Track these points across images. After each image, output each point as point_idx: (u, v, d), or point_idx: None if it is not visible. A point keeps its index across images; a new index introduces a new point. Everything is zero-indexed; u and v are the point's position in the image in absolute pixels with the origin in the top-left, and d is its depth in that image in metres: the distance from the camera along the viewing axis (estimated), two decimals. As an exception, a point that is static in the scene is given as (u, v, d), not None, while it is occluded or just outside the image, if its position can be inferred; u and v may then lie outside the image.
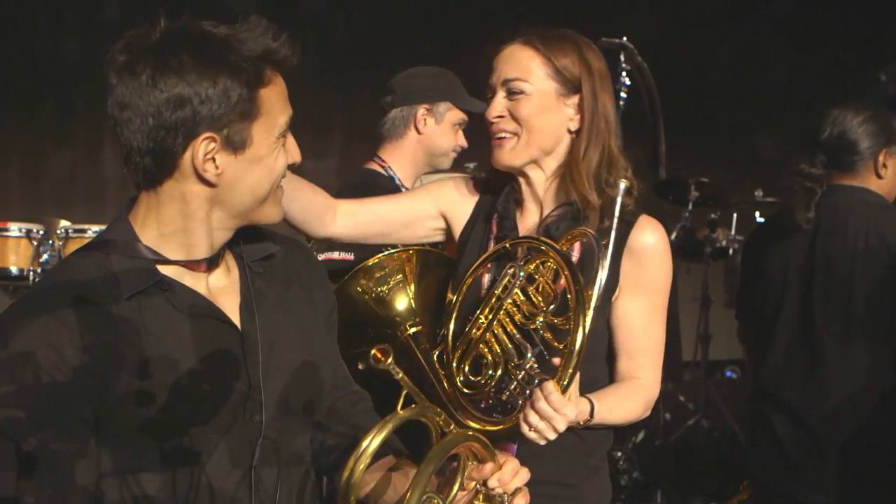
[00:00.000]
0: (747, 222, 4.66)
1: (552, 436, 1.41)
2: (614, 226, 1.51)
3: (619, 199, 1.53)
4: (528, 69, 1.61)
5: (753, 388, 2.39)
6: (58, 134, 5.65)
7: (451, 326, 1.59)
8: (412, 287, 1.68)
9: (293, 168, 1.33)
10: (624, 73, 3.81)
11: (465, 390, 1.53)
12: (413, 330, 1.65)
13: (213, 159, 1.19)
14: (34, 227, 3.42)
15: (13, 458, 1.12)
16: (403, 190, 2.43)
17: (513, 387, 1.45)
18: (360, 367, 1.19)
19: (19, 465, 1.12)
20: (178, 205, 1.22)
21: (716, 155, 6.55)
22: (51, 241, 3.38)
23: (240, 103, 1.17)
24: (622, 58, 3.85)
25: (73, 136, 5.69)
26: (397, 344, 1.65)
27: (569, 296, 1.44)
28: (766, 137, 6.61)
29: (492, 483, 1.23)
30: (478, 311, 1.55)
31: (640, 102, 4.30)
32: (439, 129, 2.48)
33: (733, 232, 4.73)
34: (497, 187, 1.71)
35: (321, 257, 2.25)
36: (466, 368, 1.55)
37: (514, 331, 1.50)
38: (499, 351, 1.51)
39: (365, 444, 1.07)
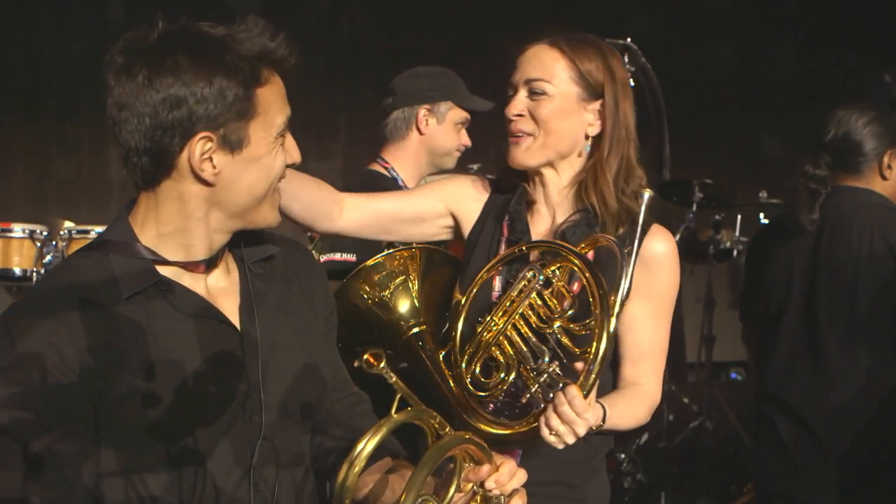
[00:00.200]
0: (751, 223, 4.65)
1: (571, 440, 1.41)
2: (638, 234, 1.52)
3: (642, 209, 1.53)
4: (552, 71, 1.61)
5: (757, 389, 2.39)
6: (62, 135, 5.67)
7: (460, 327, 1.58)
8: (416, 286, 1.68)
9: (296, 168, 1.34)
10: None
11: (476, 392, 1.53)
12: (417, 329, 1.64)
13: (211, 159, 1.19)
14: (37, 227, 3.43)
15: (20, 458, 1.13)
16: (407, 190, 2.43)
17: (534, 389, 1.45)
18: (356, 364, 1.18)
19: (26, 465, 1.13)
20: (176, 205, 1.23)
21: (720, 156, 6.53)
22: (54, 242, 3.38)
23: (236, 103, 1.17)
24: (626, 59, 3.86)
25: (77, 137, 5.71)
26: (400, 343, 1.64)
27: (591, 300, 1.45)
28: (771, 138, 6.60)
29: (489, 484, 1.23)
30: (491, 313, 1.55)
31: (644, 103, 4.30)
32: (441, 128, 2.48)
33: (737, 233, 4.72)
34: (507, 187, 1.71)
35: (323, 258, 2.25)
36: (477, 370, 1.54)
37: (530, 334, 1.50)
38: (512, 354, 1.51)
39: (359, 448, 1.07)
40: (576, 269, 1.50)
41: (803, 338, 2.24)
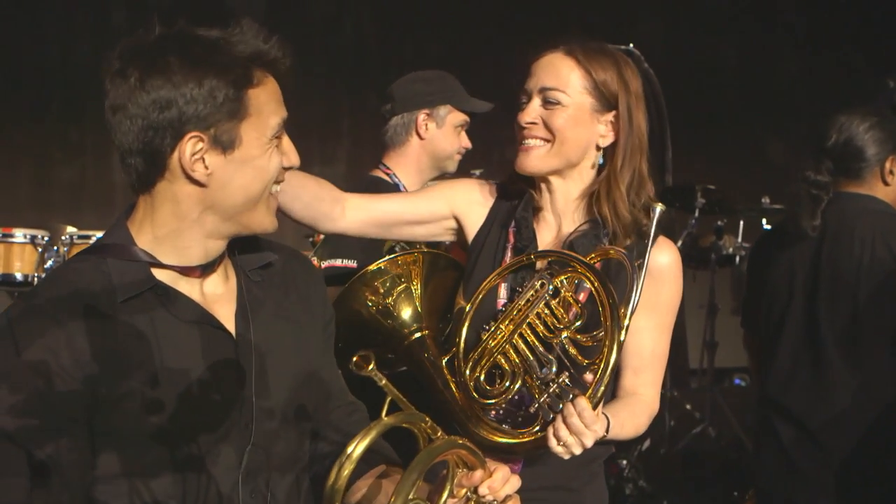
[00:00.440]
0: (754, 229, 4.65)
1: (579, 451, 1.41)
2: (650, 247, 1.52)
3: (654, 223, 1.54)
4: (566, 80, 1.60)
5: (759, 395, 2.38)
6: (66, 139, 5.68)
7: (464, 334, 1.58)
8: (419, 291, 1.67)
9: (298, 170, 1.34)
10: (630, 80, 3.81)
11: (480, 399, 1.53)
12: (419, 334, 1.64)
13: (203, 160, 1.20)
14: (39, 233, 3.43)
15: (25, 465, 1.14)
16: (409, 196, 2.43)
17: (542, 399, 1.45)
18: (351, 366, 1.19)
19: (31, 472, 1.14)
20: (170, 206, 1.23)
21: (722, 162, 6.54)
22: (56, 248, 3.38)
23: (226, 103, 1.18)
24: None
25: (82, 141, 5.72)
26: (403, 348, 1.64)
27: (601, 311, 1.46)
28: (774, 144, 6.60)
29: (482, 490, 1.23)
30: (497, 321, 1.55)
31: (646, 109, 4.29)
32: (441, 132, 2.48)
33: (740, 239, 4.72)
34: (513, 193, 1.71)
35: (324, 264, 2.25)
36: (481, 377, 1.54)
37: (537, 343, 1.50)
38: (518, 362, 1.51)
39: (349, 449, 1.07)
40: (587, 280, 1.50)
41: (804, 344, 2.23)
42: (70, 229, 3.53)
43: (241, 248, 1.35)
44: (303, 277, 1.42)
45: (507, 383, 1.51)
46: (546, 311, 1.51)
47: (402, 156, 2.49)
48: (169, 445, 1.20)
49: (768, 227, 4.61)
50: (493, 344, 1.54)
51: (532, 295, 1.52)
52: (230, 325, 1.28)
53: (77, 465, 1.17)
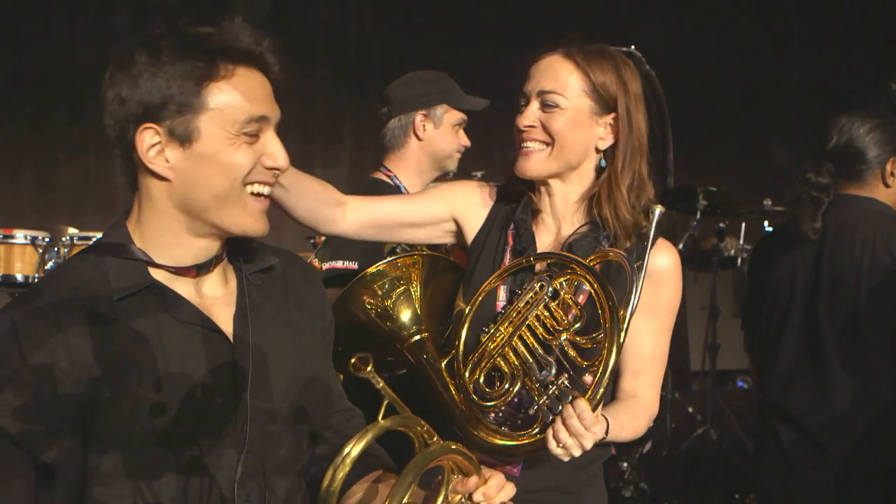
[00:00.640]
0: (756, 231, 4.65)
1: (577, 453, 1.41)
2: (649, 249, 1.52)
3: (653, 225, 1.53)
4: (565, 83, 1.60)
5: (760, 398, 2.38)
6: (69, 141, 5.69)
7: (464, 336, 1.58)
8: (418, 293, 1.68)
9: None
10: (632, 82, 3.81)
11: (479, 401, 1.53)
12: (419, 337, 1.64)
13: (164, 153, 1.21)
14: (40, 234, 3.44)
15: (29, 467, 1.15)
16: (410, 198, 2.43)
17: (542, 401, 1.45)
18: (349, 368, 1.19)
19: (35, 474, 1.15)
20: (148, 202, 1.25)
21: (724, 164, 6.54)
22: (56, 249, 3.39)
23: (180, 95, 1.19)
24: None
25: (85, 143, 5.73)
26: (402, 351, 1.64)
27: (600, 313, 1.46)
28: (775, 146, 6.59)
29: (477, 497, 1.23)
30: (496, 324, 1.55)
31: (647, 111, 4.29)
32: (439, 132, 2.48)
33: (742, 241, 4.71)
34: (513, 195, 1.71)
35: (325, 266, 2.25)
36: (481, 380, 1.54)
37: (536, 345, 1.50)
38: (517, 364, 1.51)
39: (345, 452, 1.07)
40: (586, 282, 1.50)
41: (805, 347, 2.23)
42: (71, 230, 3.54)
43: (242, 252, 1.35)
44: (303, 282, 1.42)
45: (507, 385, 1.51)
46: (545, 313, 1.51)
47: (402, 158, 2.50)
48: (164, 446, 1.20)
49: (770, 229, 4.60)
50: (492, 346, 1.54)
51: (531, 297, 1.52)
52: (228, 328, 1.28)
53: (80, 467, 1.18)
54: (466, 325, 1.59)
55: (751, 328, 2.51)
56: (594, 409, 1.41)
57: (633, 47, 3.95)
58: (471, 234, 1.74)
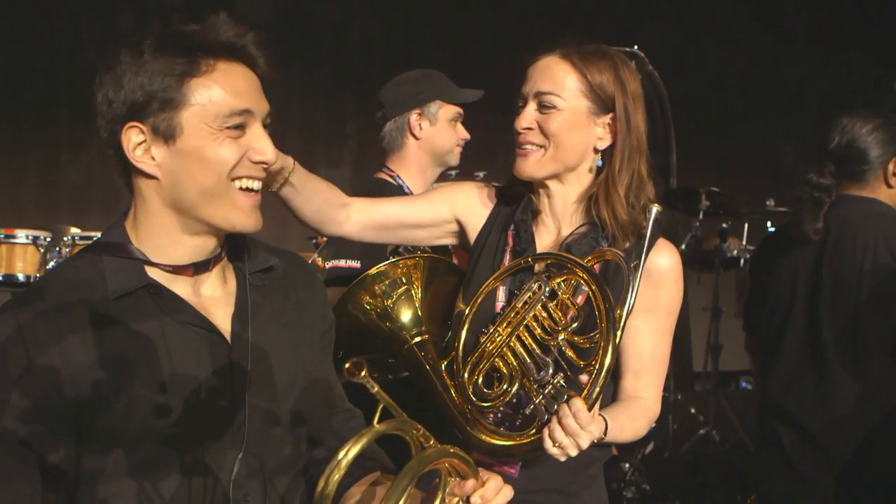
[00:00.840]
0: (759, 232, 4.64)
1: (574, 453, 1.40)
2: (645, 248, 1.52)
3: (650, 224, 1.53)
4: (562, 84, 1.60)
5: (761, 399, 2.37)
6: (74, 142, 5.71)
7: (463, 337, 1.58)
8: (419, 295, 1.67)
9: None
10: (634, 82, 3.81)
11: (478, 402, 1.53)
12: (419, 339, 1.64)
13: (150, 151, 1.22)
14: (41, 234, 3.44)
15: (36, 468, 1.15)
16: (414, 198, 2.43)
17: (538, 401, 1.45)
18: (343, 373, 1.19)
19: (42, 476, 1.16)
20: (141, 202, 1.26)
21: (727, 164, 6.53)
22: (57, 248, 3.39)
23: (161, 92, 1.19)
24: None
25: (88, 143, 5.74)
26: (403, 352, 1.64)
27: (596, 313, 1.45)
28: (779, 147, 6.58)
29: (474, 500, 1.23)
30: (495, 324, 1.55)
31: (650, 111, 4.29)
32: (436, 129, 2.49)
33: (744, 242, 4.71)
34: (513, 196, 1.71)
35: (328, 265, 2.26)
36: (479, 380, 1.54)
37: (534, 346, 1.50)
38: (516, 365, 1.51)
39: (340, 455, 1.07)
40: (582, 282, 1.49)
41: (806, 348, 2.22)
42: (74, 230, 3.55)
43: (242, 252, 1.35)
44: (303, 284, 1.42)
45: (505, 386, 1.51)
46: (543, 313, 1.51)
47: (403, 158, 2.50)
48: (162, 445, 1.20)
49: (773, 229, 4.60)
50: (491, 347, 1.54)
51: (529, 297, 1.52)
52: (226, 328, 1.28)
53: (67, 465, 1.18)
54: (466, 326, 1.59)
55: (752, 329, 2.51)
56: (590, 409, 1.40)
57: (636, 47, 3.94)
58: (472, 234, 1.74)
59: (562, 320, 1.50)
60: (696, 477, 4.31)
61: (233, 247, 1.35)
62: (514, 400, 1.52)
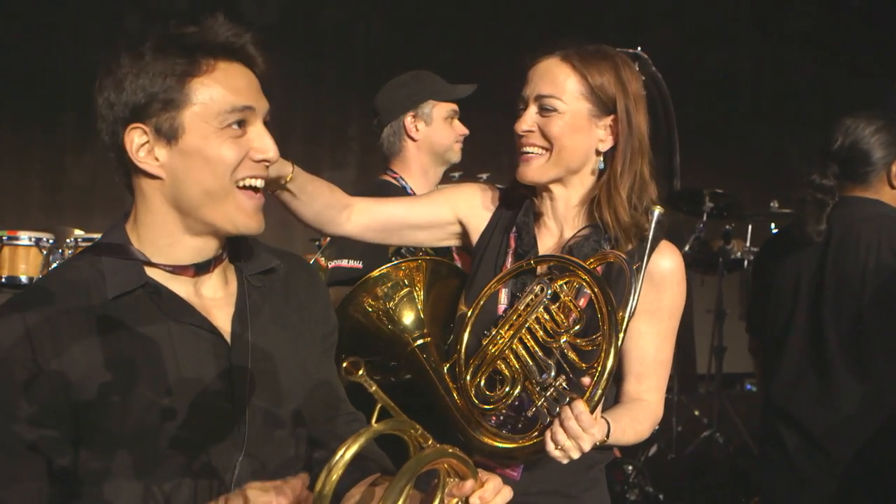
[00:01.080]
0: (763, 234, 4.62)
1: (576, 455, 1.40)
2: (647, 250, 1.51)
3: (652, 226, 1.52)
4: (562, 87, 1.59)
5: (764, 401, 2.36)
6: (78, 144, 5.72)
7: (465, 339, 1.58)
8: (421, 297, 1.67)
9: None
10: (638, 84, 3.81)
11: (480, 405, 1.53)
12: (421, 341, 1.64)
13: (153, 152, 1.23)
14: (44, 235, 3.46)
15: (44, 471, 1.16)
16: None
17: (540, 403, 1.45)
18: (341, 372, 1.18)
19: (50, 478, 1.16)
20: (143, 202, 1.27)
21: (731, 165, 6.51)
22: (60, 250, 3.40)
23: (163, 93, 1.20)
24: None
25: (93, 145, 5.75)
26: (405, 355, 1.64)
27: (599, 316, 1.45)
28: (783, 148, 6.57)
29: (473, 501, 1.23)
30: (497, 327, 1.55)
31: (653, 112, 4.29)
32: (432, 128, 2.50)
33: (748, 243, 4.69)
34: (516, 199, 1.70)
35: (331, 265, 2.26)
36: (482, 383, 1.54)
37: (536, 348, 1.50)
38: (518, 367, 1.50)
39: (338, 455, 1.06)
40: (584, 284, 1.49)
41: (810, 350, 2.22)
42: (77, 232, 3.56)
43: (244, 253, 1.36)
44: (305, 286, 1.42)
45: (508, 388, 1.50)
46: (545, 315, 1.51)
47: (404, 161, 2.52)
48: (162, 446, 1.20)
49: (776, 231, 4.59)
50: (493, 349, 1.54)
51: (531, 300, 1.52)
52: (226, 329, 1.28)
53: (88, 468, 1.18)
54: (468, 329, 1.59)
55: (755, 331, 2.50)
56: (592, 411, 1.40)
57: (639, 49, 3.94)
58: (474, 236, 1.74)
59: (564, 323, 1.50)
60: (700, 479, 4.30)
61: (235, 248, 1.35)
62: (517, 402, 1.52)
